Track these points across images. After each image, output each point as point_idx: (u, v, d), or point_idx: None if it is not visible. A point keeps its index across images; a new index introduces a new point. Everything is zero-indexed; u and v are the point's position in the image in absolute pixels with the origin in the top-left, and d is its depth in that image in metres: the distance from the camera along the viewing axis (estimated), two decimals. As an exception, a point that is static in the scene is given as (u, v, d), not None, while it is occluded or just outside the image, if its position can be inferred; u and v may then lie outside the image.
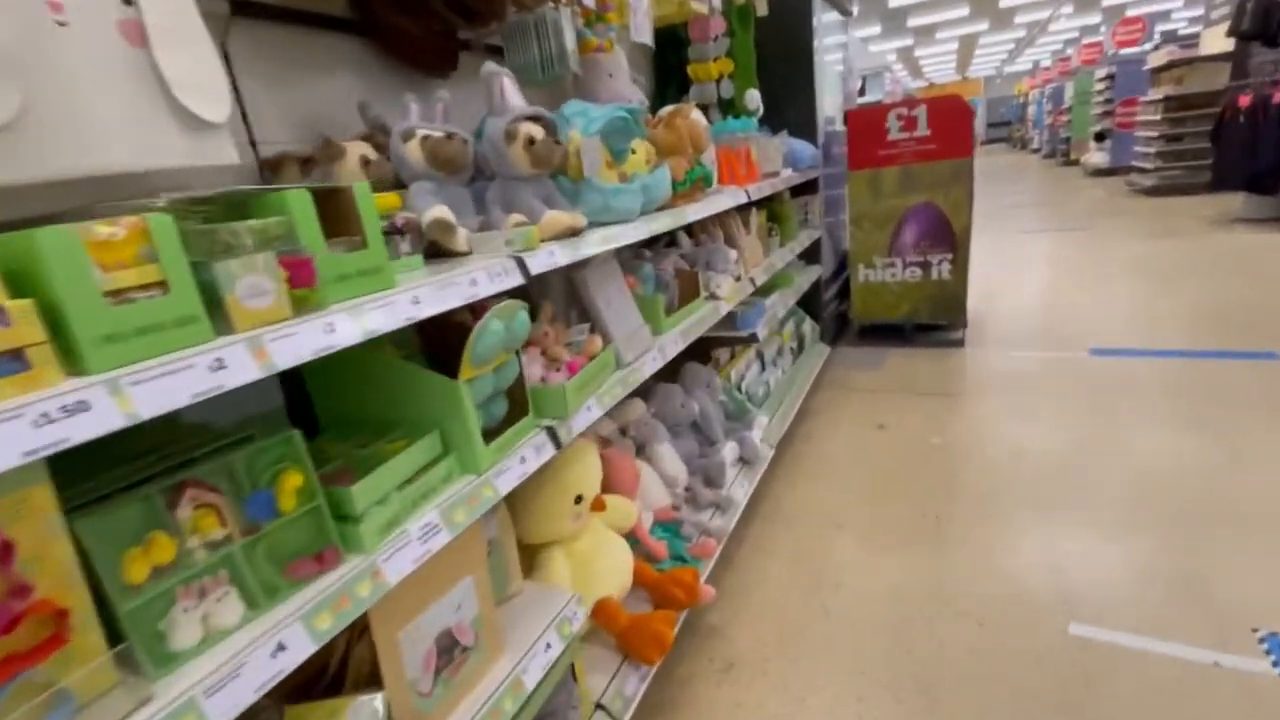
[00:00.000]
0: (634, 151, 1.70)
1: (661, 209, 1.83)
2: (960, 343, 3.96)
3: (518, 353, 1.20)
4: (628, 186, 1.51)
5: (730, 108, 3.05)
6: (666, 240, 2.46)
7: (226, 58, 1.33)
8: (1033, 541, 2.11)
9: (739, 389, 2.75)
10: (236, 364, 0.69)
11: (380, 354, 1.09)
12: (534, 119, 1.26)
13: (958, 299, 3.85)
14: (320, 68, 1.52)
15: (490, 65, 1.17)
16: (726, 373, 2.74)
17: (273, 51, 1.42)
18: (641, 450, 2.23)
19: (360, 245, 0.92)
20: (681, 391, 2.44)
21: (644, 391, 2.27)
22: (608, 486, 1.89)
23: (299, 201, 0.82)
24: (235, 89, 1.35)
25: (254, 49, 1.38)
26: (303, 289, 0.78)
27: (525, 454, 1.18)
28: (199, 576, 0.73)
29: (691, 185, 1.95)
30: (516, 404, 1.24)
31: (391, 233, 1.10)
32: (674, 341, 1.80)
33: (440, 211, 1.14)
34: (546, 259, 1.20)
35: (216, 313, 0.71)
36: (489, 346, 1.04)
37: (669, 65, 3.12)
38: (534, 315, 1.52)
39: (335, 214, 0.92)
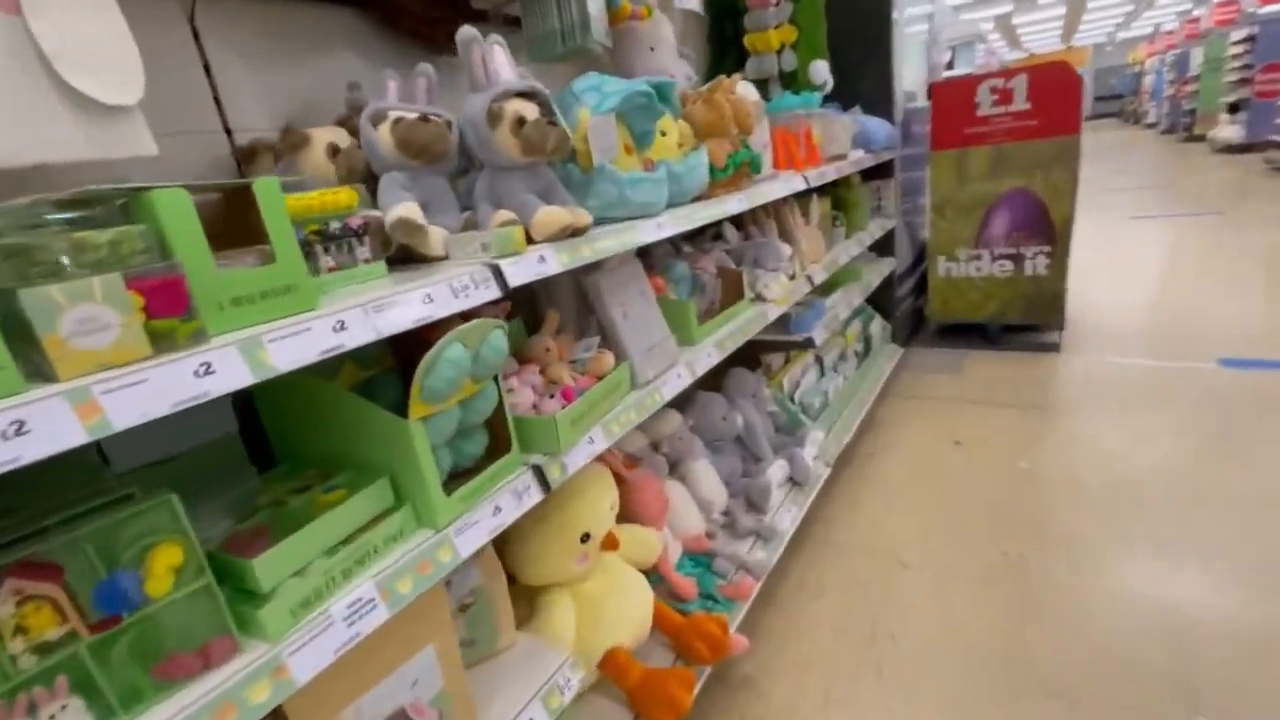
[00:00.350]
0: (663, 134, 1.46)
1: (698, 200, 1.58)
2: (1055, 347, 3.48)
3: (497, 379, 1.00)
4: (650, 175, 1.28)
5: (793, 82, 2.73)
6: (714, 233, 2.21)
7: (196, 35, 1.19)
8: (1144, 600, 1.74)
9: (792, 399, 2.47)
10: (47, 425, 0.52)
11: (324, 380, 0.92)
12: (526, 95, 1.05)
13: (1055, 298, 3.37)
14: (308, 44, 1.36)
15: (468, 29, 0.96)
16: (778, 380, 2.46)
17: (252, 27, 1.27)
18: (675, 468, 2.00)
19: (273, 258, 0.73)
20: (724, 401, 2.20)
21: (682, 400, 2.04)
22: (629, 514, 1.69)
23: (171, 204, 0.64)
24: (207, 70, 1.21)
25: (229, 24, 1.23)
26: (166, 319, 0.61)
27: (501, 502, 0.98)
28: (25, 688, 0.58)
29: (735, 172, 1.69)
30: (499, 438, 1.05)
31: (344, 236, 0.92)
32: (707, 354, 1.56)
33: (405, 209, 0.95)
34: (532, 267, 0.99)
35: (36, 354, 0.55)
36: (446, 379, 0.84)
37: (726, 37, 2.82)
38: (538, 325, 1.31)
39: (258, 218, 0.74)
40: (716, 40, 2.87)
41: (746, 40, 2.64)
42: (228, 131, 1.23)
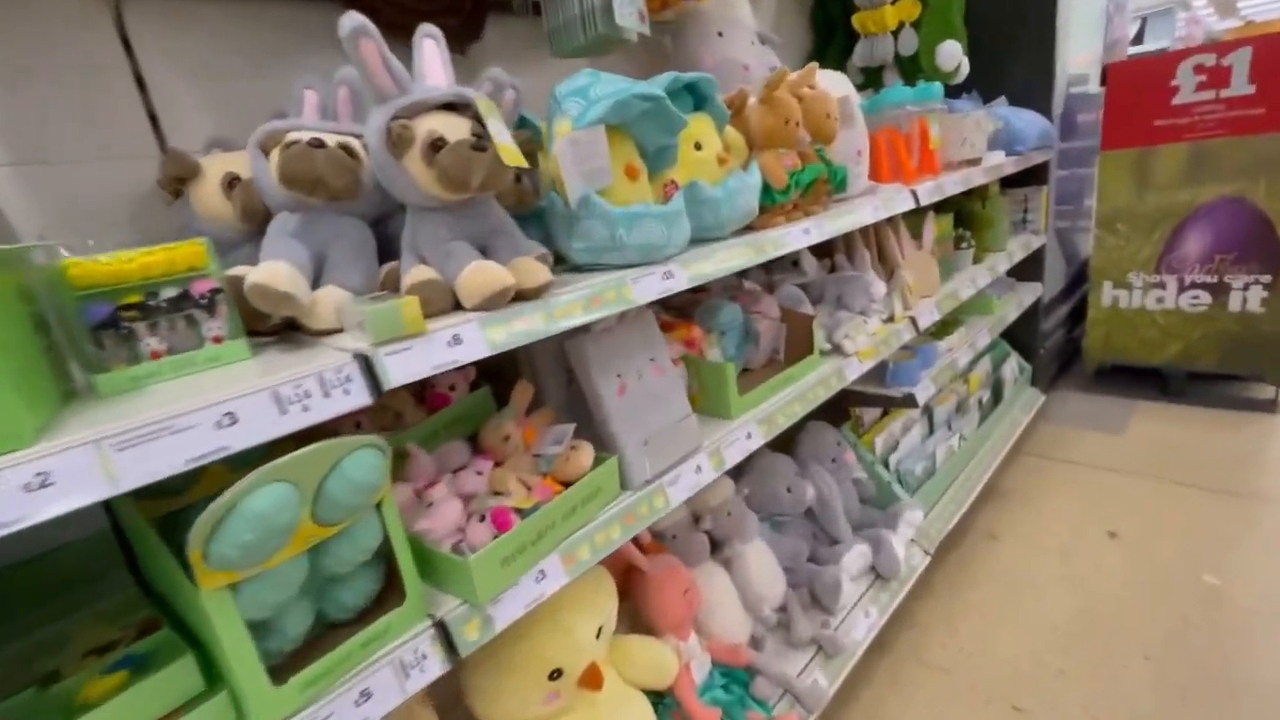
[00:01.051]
0: (698, 147, 1.11)
1: (747, 231, 1.21)
2: (1270, 406, 2.65)
3: (383, 505, 0.72)
4: (654, 209, 0.93)
5: (916, 70, 2.22)
6: (792, 259, 1.80)
7: (126, 45, 1.01)
8: None
9: (886, 464, 1.99)
10: None
11: (139, 500, 0.68)
12: (450, 107, 0.75)
13: (1273, 342, 2.55)
14: (274, 49, 1.16)
15: (352, 16, 0.68)
16: (869, 439, 2.00)
17: (201, 31, 1.08)
18: (718, 548, 1.64)
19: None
20: (793, 466, 1.78)
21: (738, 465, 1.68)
22: (643, 616, 1.36)
23: None
24: (140, 85, 1.03)
25: (168, 29, 1.04)
26: None
27: (375, 682, 0.70)
28: None
29: (804, 192, 1.29)
30: (396, 578, 0.76)
31: (179, 309, 0.68)
32: (746, 435, 1.19)
33: (263, 271, 0.69)
34: (434, 356, 0.70)
35: None
36: (242, 544, 0.57)
37: (831, 17, 2.36)
38: (507, 397, 1.02)
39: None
40: (821, 21, 2.42)
41: (855, 19, 2.18)
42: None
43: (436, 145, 0.72)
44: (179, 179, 0.83)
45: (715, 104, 1.13)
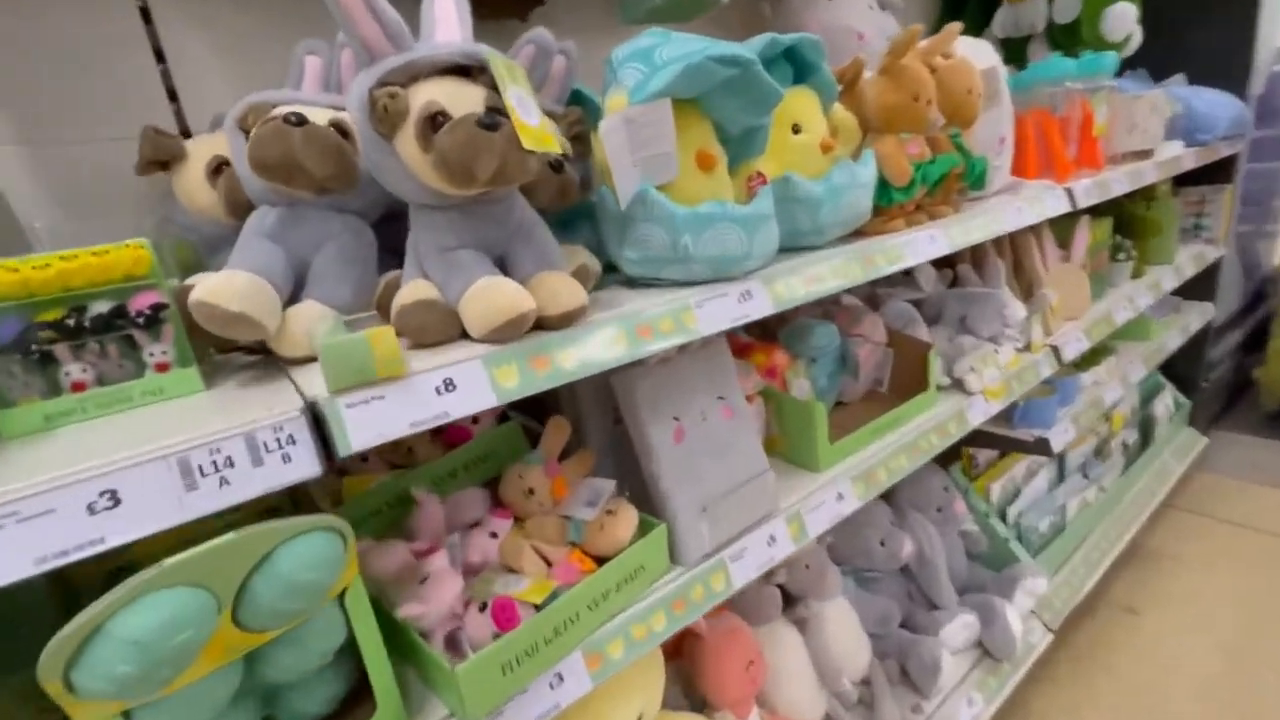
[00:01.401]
0: (797, 130, 0.87)
1: (855, 237, 0.96)
2: None
3: (346, 598, 0.55)
4: (735, 210, 0.71)
5: (1072, 40, 1.83)
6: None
7: (145, 14, 0.90)
8: None
9: (1003, 516, 1.67)
10: None
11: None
12: (462, 71, 0.56)
13: None
14: (310, 17, 1.01)
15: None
16: (983, 485, 1.68)
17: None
18: (792, 604, 1.39)
19: None
20: (888, 514, 1.50)
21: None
22: (698, 684, 1.16)
23: None
24: (159, 57, 0.91)
25: (194, -4, 0.92)
26: None
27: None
28: None
29: (934, 188, 1.02)
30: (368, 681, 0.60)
31: (111, 329, 0.54)
32: (837, 495, 0.95)
33: (210, 287, 0.53)
34: (410, 409, 0.52)
35: None
36: (119, 678, 0.41)
37: (969, -21, 2.00)
38: (539, 437, 0.84)
39: None
40: (956, -14, 2.06)
41: (999, -20, 1.82)
42: (186, 135, 0.93)
43: (436, 121, 0.53)
44: (157, 163, 0.70)
45: (822, 74, 0.88)
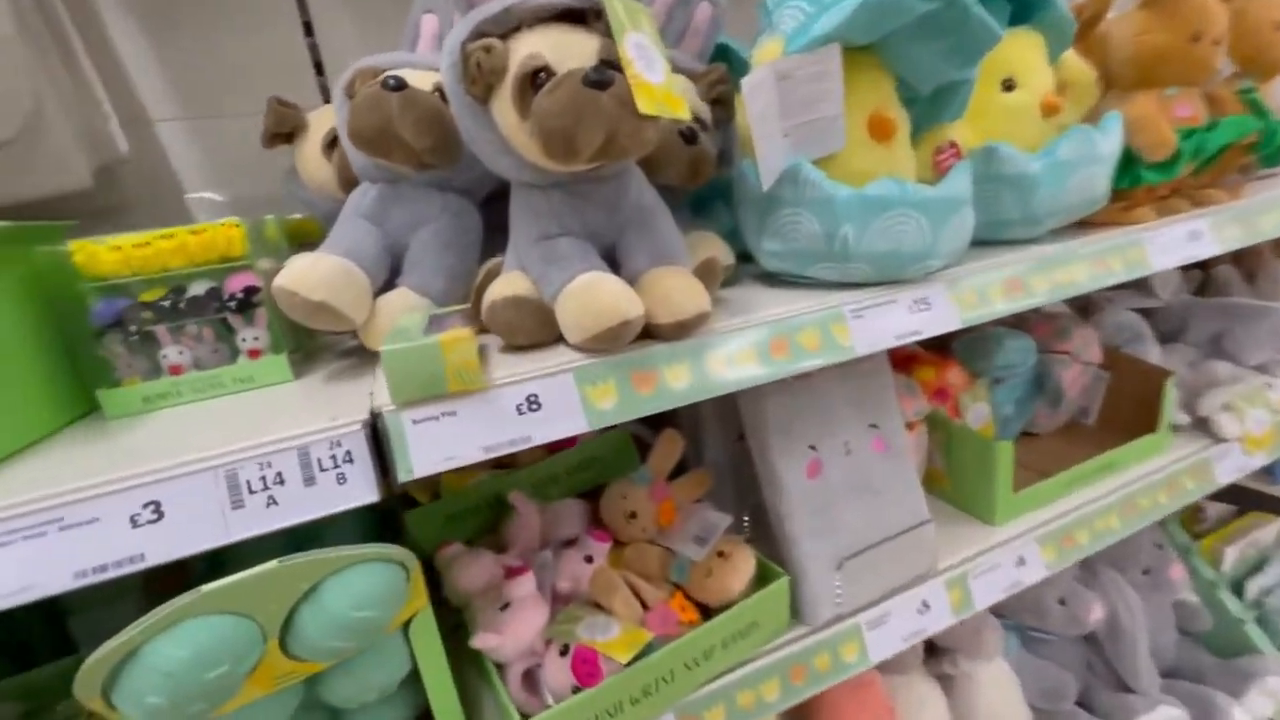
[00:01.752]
0: (1009, 86, 0.67)
1: (1083, 226, 0.73)
2: None
3: (410, 629, 0.49)
4: (916, 191, 0.54)
5: None
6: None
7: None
8: None
9: (1238, 590, 1.30)
10: None
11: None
12: (574, 17, 0.45)
13: None
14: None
15: None
16: (1212, 546, 1.32)
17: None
18: (936, 656, 1.18)
19: None
20: (1074, 569, 1.23)
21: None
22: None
23: None
24: (308, 30, 0.91)
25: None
26: None
27: None
28: None
29: (1207, 164, 0.75)
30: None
31: (207, 313, 0.51)
32: (1018, 560, 0.75)
33: (293, 273, 0.48)
34: (486, 430, 0.43)
35: None
36: (150, 710, 0.37)
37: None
38: (649, 448, 0.74)
39: None
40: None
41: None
42: (331, 106, 0.93)
43: (536, 79, 0.43)
44: (281, 135, 0.68)
45: (1054, 9, 0.66)
